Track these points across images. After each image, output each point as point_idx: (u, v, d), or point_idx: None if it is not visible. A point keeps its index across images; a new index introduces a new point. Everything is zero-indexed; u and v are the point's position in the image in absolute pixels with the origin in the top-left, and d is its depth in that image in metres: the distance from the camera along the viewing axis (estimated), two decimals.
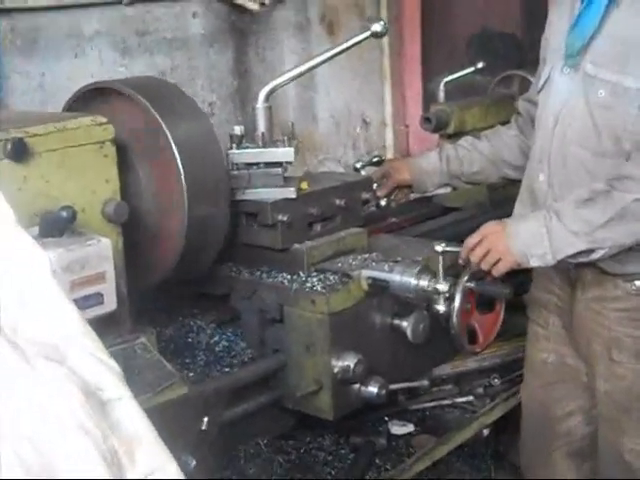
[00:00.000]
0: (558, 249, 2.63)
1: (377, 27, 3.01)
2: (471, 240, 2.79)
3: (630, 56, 2.63)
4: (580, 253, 2.65)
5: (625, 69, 2.63)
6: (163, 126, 2.62)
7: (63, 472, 1.13)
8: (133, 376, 2.37)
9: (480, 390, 3.52)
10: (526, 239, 2.67)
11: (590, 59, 2.71)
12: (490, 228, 2.76)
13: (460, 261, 2.85)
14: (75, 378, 1.22)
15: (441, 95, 4.31)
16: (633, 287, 2.78)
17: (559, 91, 2.82)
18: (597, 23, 2.69)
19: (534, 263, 2.68)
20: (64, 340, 1.27)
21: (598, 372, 2.91)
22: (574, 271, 2.87)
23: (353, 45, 3.07)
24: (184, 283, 2.96)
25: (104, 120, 2.42)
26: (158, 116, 2.63)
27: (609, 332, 2.85)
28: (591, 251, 2.64)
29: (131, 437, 1.27)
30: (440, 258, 2.86)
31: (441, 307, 2.91)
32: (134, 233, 2.59)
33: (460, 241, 3.35)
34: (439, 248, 2.87)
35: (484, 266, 2.74)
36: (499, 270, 2.73)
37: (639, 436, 2.86)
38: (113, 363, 1.34)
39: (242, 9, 4.26)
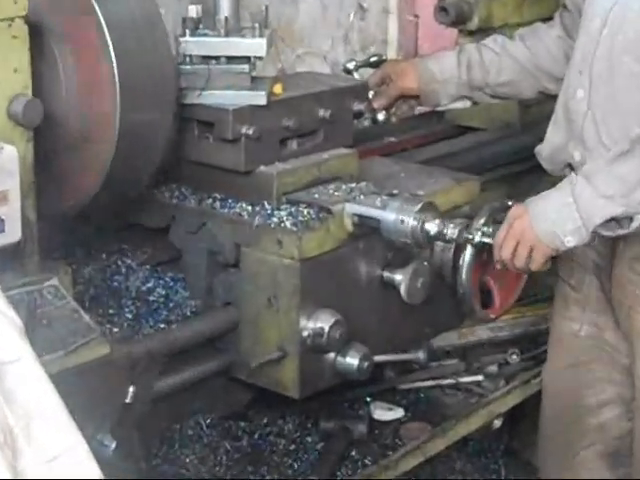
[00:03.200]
0: (589, 217, 2.66)
1: None
2: (499, 234, 2.82)
3: None
4: (616, 222, 2.68)
5: None
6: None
7: None
8: (40, 328, 2.40)
9: (493, 368, 3.57)
10: (552, 217, 2.71)
11: None
12: (513, 213, 2.80)
13: (497, 265, 2.90)
14: None
15: None
16: None
17: None
18: None
19: (569, 243, 2.72)
20: None
21: (638, 352, 2.94)
22: None
23: None
24: (111, 210, 2.97)
25: None
26: None
27: None
28: (629, 218, 2.67)
29: (29, 410, 1.29)
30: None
31: (447, 257, 2.94)
32: (49, 141, 2.60)
33: (477, 172, 3.40)
34: (476, 236, 2.90)
35: (517, 264, 2.79)
36: (536, 264, 2.77)
37: None
38: (11, 313, 1.35)
39: None
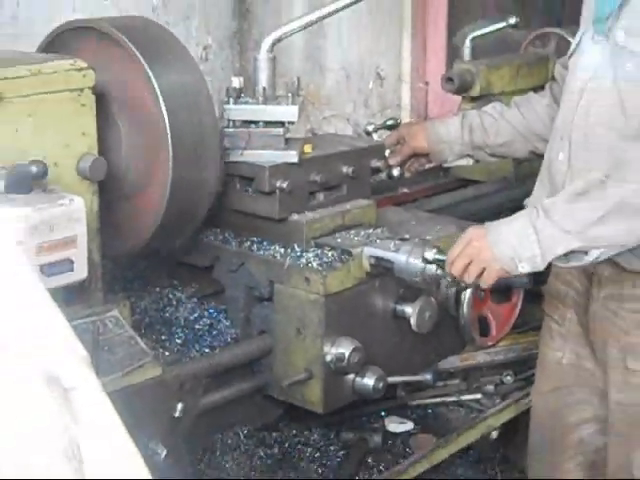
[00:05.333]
0: (547, 249, 2.61)
1: None
2: (453, 250, 2.75)
3: None
4: (572, 254, 2.63)
5: None
6: (149, 74, 2.63)
7: (20, 466, 1.17)
8: (102, 353, 2.41)
9: (490, 387, 3.55)
10: (511, 242, 2.65)
11: (623, 26, 2.67)
12: (471, 234, 2.73)
13: (448, 278, 2.85)
14: (37, 362, 1.26)
15: (467, 52, 4.32)
16: None
17: (587, 61, 2.79)
18: None
19: (523, 269, 2.65)
20: (27, 320, 1.31)
21: (611, 379, 2.92)
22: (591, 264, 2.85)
23: None
24: (163, 251, 2.99)
25: (84, 64, 2.43)
26: (144, 62, 2.63)
27: (625, 336, 2.86)
28: (584, 252, 2.63)
29: (94, 428, 1.31)
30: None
31: (451, 293, 2.95)
32: (111, 193, 2.62)
33: (477, 220, 3.41)
34: (429, 255, 2.86)
35: (467, 279, 2.71)
36: (486, 281, 2.70)
37: None
38: (79, 346, 1.37)
39: None
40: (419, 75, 5.19)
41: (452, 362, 3.53)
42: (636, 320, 2.84)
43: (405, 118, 5.03)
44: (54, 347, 1.31)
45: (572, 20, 3.51)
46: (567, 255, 2.64)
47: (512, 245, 2.64)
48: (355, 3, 3.11)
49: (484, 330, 3.36)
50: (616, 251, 2.66)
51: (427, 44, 5.22)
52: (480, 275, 2.70)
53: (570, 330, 3.05)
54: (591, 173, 2.67)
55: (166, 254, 3.06)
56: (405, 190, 3.95)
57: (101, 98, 2.53)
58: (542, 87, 3.39)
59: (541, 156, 3.13)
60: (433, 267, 2.84)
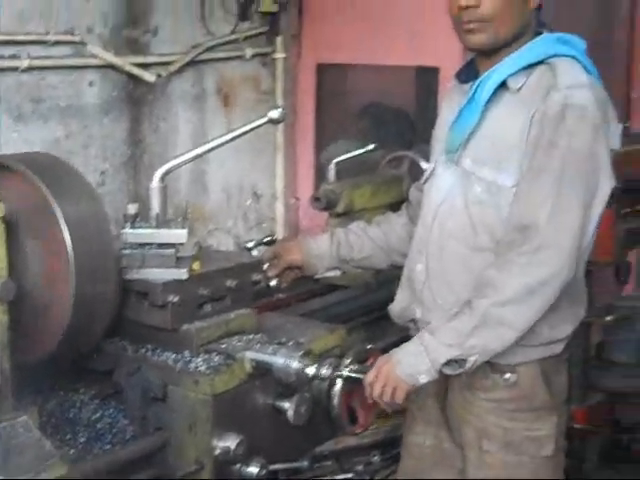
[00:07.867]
0: (434, 360, 2.69)
1: (275, 114, 3.05)
2: (369, 376, 2.82)
3: (504, 155, 2.71)
4: (455, 363, 2.70)
5: (500, 167, 2.71)
6: (53, 204, 2.62)
7: None
8: (13, 456, 2.36)
9: (360, 467, 3.56)
10: (410, 361, 2.73)
11: (470, 155, 2.79)
12: (382, 360, 2.81)
13: (369, 401, 2.89)
14: None
15: (332, 174, 4.37)
16: (502, 378, 2.84)
17: (441, 185, 2.89)
18: (476, 121, 2.76)
19: (423, 380, 2.73)
20: None
21: (469, 459, 2.95)
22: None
23: (250, 130, 3.11)
24: (69, 359, 2.94)
25: None
26: (48, 194, 2.63)
27: (479, 421, 2.90)
28: (464, 360, 2.69)
29: None
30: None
31: (323, 389, 2.96)
32: (20, 309, 2.58)
33: (344, 321, 3.45)
34: (344, 373, 2.94)
35: (385, 399, 2.79)
36: (399, 398, 2.77)
37: None
38: None
39: (139, 79, 4.30)
40: (291, 191, 5.25)
41: (327, 445, 3.52)
42: (486, 407, 2.88)
43: (279, 230, 5.09)
44: None
45: (422, 140, 3.59)
46: (452, 364, 2.71)
47: (410, 363, 2.73)
48: (234, 140, 3.12)
49: (353, 419, 3.35)
50: (489, 356, 2.74)
51: (297, 163, 5.29)
52: (394, 393, 2.77)
53: (431, 415, 3.08)
54: (461, 297, 2.75)
55: (71, 361, 3.00)
56: (281, 296, 3.96)
57: (10, 226, 2.50)
58: (397, 203, 3.46)
59: (399, 267, 3.18)
60: (307, 368, 2.87)
